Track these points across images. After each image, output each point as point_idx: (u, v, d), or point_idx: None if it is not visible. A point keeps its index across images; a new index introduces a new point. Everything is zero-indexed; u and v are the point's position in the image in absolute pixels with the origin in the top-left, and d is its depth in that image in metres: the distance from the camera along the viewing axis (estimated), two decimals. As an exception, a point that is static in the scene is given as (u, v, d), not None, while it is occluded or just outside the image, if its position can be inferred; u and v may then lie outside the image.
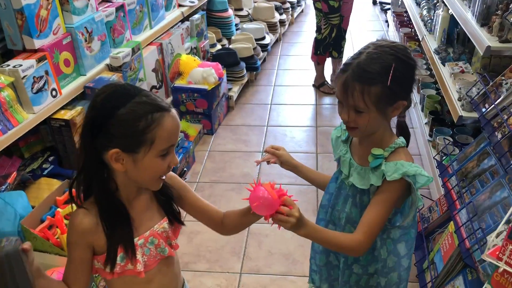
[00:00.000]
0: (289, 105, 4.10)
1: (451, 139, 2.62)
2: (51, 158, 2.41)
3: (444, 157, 2.44)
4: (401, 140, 1.28)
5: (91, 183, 1.11)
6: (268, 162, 1.49)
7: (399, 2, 5.44)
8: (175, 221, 1.23)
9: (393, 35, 5.22)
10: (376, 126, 1.25)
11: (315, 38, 4.21)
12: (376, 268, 1.41)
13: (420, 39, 3.59)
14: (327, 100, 4.18)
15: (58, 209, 2.08)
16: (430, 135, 2.93)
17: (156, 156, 1.06)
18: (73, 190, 1.15)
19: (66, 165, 2.42)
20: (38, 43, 2.18)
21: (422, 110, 3.26)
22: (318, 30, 4.13)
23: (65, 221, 2.03)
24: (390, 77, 1.16)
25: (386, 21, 5.85)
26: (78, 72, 2.47)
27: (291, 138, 3.58)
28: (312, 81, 4.40)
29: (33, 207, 2.07)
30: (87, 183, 1.11)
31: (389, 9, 5.97)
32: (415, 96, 3.54)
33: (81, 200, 1.13)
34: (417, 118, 3.39)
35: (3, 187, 2.12)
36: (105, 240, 1.11)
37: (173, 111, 1.08)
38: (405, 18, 4.95)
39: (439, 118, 2.98)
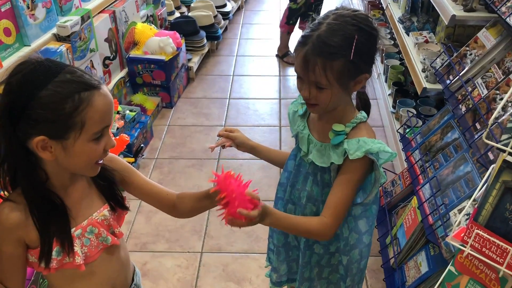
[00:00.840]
0: (252, 76, 3.98)
1: (415, 111, 2.59)
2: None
3: (407, 130, 2.40)
4: (362, 115, 1.21)
5: (15, 174, 0.98)
6: (224, 147, 1.39)
7: (363, -31, 5.33)
8: (118, 207, 1.13)
9: (357, 2, 5.13)
10: (337, 102, 1.17)
11: (289, 8, 4.05)
12: (337, 247, 1.36)
13: (384, 8, 3.51)
14: (291, 71, 4.08)
15: None
16: (394, 107, 2.89)
17: (89, 140, 0.94)
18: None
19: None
20: (-29, 10, 1.98)
21: (386, 81, 3.21)
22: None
23: None
24: (352, 50, 1.07)
25: (350, -11, 5.74)
26: (22, 42, 2.28)
27: (254, 111, 3.48)
28: (276, 51, 4.28)
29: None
30: (11, 174, 0.98)
31: (353, -24, 5.86)
32: (379, 66, 3.49)
33: (7, 192, 1.01)
34: (380, 89, 3.35)
35: None
36: (37, 234, 0.99)
37: (104, 87, 0.95)
38: (369, -14, 4.86)
39: (403, 89, 2.94)
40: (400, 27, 2.90)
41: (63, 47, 2.39)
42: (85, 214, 1.07)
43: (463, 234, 1.04)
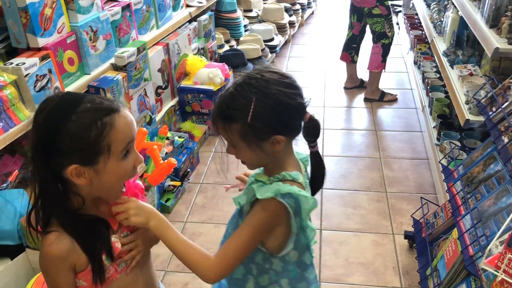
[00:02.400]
0: (296, 107, 4.06)
1: (459, 143, 2.57)
2: (54, 157, 2.41)
3: (450, 162, 2.39)
4: (293, 174, 1.14)
5: (51, 207, 1.04)
6: (240, 190, 1.42)
7: (411, 5, 5.38)
8: None
9: (404, 37, 5.17)
10: (259, 159, 1.15)
11: (383, 45, 3.89)
12: None
13: (430, 42, 3.54)
14: (335, 102, 4.13)
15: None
16: (438, 139, 2.87)
17: (118, 160, 1.01)
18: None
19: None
20: (42, 42, 2.18)
21: (431, 114, 3.20)
22: (383, 36, 3.86)
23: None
24: (250, 115, 1.06)
25: (397, 23, 5.79)
26: (83, 71, 2.47)
27: (295, 140, 3.53)
28: (366, 96, 4.13)
29: (33, 206, 2.07)
30: (47, 207, 1.04)
31: (400, 11, 5.91)
32: (424, 99, 3.49)
33: (41, 228, 1.06)
34: (425, 121, 3.34)
35: (4, 185, 2.12)
36: (84, 256, 1.05)
37: (123, 109, 1.03)
38: (416, 21, 4.90)
39: (448, 121, 2.93)
40: (444, 60, 2.92)
41: (119, 76, 2.57)
42: (116, 222, 1.13)
43: (496, 260, 1.05)
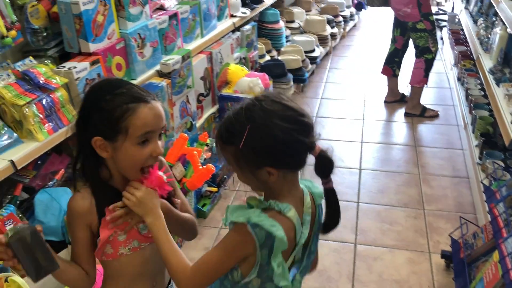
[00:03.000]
0: (335, 118, 4.06)
1: (502, 164, 2.51)
2: (98, 158, 2.49)
3: (493, 182, 2.33)
4: (282, 206, 1.10)
5: (84, 170, 1.19)
6: None
7: (456, 20, 5.29)
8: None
9: (448, 52, 5.08)
10: (255, 185, 1.15)
11: (426, 60, 3.84)
12: None
13: (475, 58, 3.47)
14: (375, 115, 4.10)
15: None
16: (480, 158, 2.81)
17: (134, 143, 1.12)
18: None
19: (111, 166, 2.50)
20: (93, 47, 2.27)
21: (473, 132, 3.14)
22: (426, 50, 3.81)
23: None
24: (242, 142, 1.05)
25: (441, 38, 5.70)
26: (129, 76, 2.55)
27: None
28: (407, 111, 4.09)
29: (77, 204, 2.15)
30: (81, 170, 1.20)
31: (445, 26, 5.81)
32: (466, 117, 3.42)
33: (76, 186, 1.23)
34: (466, 139, 3.27)
35: (51, 183, 2.21)
36: (97, 220, 1.19)
37: (154, 102, 1.14)
38: (461, 36, 4.80)
39: (491, 141, 2.86)
40: (490, 78, 2.85)
41: (164, 83, 2.64)
42: None
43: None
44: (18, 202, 2.06)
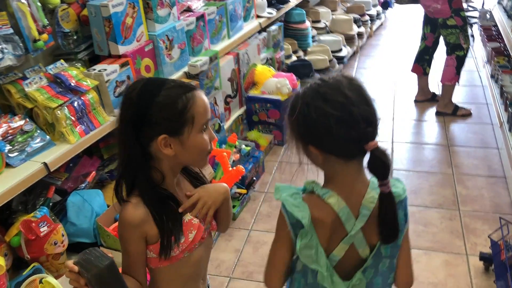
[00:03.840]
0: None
1: (543, 162, 2.41)
2: (128, 160, 2.50)
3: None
4: (323, 191, 1.10)
5: (135, 179, 1.15)
6: None
7: (488, 16, 5.14)
8: None
9: (479, 50, 4.94)
10: (314, 160, 1.13)
11: (458, 57, 3.71)
12: None
13: (510, 54, 3.35)
14: (404, 113, 4.01)
15: (132, 209, 2.14)
16: (519, 157, 2.71)
17: (199, 131, 1.13)
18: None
19: (141, 168, 2.50)
20: (122, 49, 2.29)
21: (510, 130, 3.03)
22: (457, 47, 3.69)
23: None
24: (295, 115, 1.08)
25: (472, 35, 5.55)
26: (158, 79, 2.56)
27: (364, 152, 3.47)
28: (438, 109, 3.96)
29: (108, 206, 2.16)
30: (131, 179, 1.16)
31: (475, 23, 5.66)
32: (502, 115, 3.31)
33: (124, 197, 1.17)
34: (502, 138, 3.16)
35: (83, 185, 2.23)
36: (156, 229, 1.15)
37: (198, 89, 1.15)
38: (494, 32, 4.67)
39: (530, 138, 2.76)
40: (528, 73, 2.75)
41: (192, 84, 2.64)
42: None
43: None
44: (51, 204, 2.08)
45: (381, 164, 1.05)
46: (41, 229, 1.85)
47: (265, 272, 1.20)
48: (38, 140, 1.98)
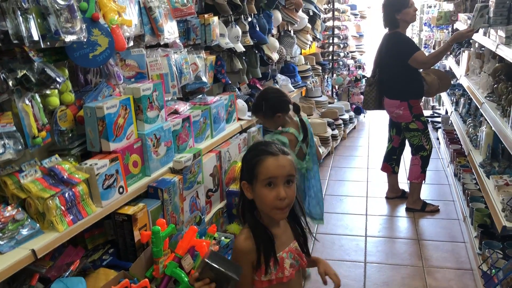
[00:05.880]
0: (339, 214, 4.18)
1: (501, 252, 2.59)
2: (110, 251, 2.59)
3: (493, 270, 2.40)
4: (286, 129, 2.93)
5: (244, 213, 1.60)
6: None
7: (449, 122, 5.61)
8: (301, 247, 1.65)
9: (444, 151, 5.32)
10: (273, 125, 3.03)
11: (422, 157, 4.06)
12: None
13: (467, 154, 3.68)
14: (378, 210, 4.22)
15: (113, 297, 2.21)
16: (480, 248, 2.89)
17: (262, 186, 1.49)
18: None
19: (124, 258, 2.59)
20: (113, 146, 2.49)
21: (472, 224, 3.24)
22: (421, 148, 4.03)
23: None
24: (263, 109, 2.93)
25: (437, 138, 5.99)
26: (144, 173, 2.75)
27: (339, 246, 3.61)
28: (408, 206, 4.26)
29: (90, 294, 2.22)
30: (242, 213, 1.62)
31: (440, 127, 6.14)
32: (464, 209, 3.54)
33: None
34: (466, 231, 3.36)
35: (66, 273, 2.30)
36: (257, 257, 1.50)
37: (282, 156, 1.52)
38: (455, 135, 5.08)
39: (489, 231, 2.96)
40: (481, 171, 3.04)
41: (176, 178, 2.82)
42: (285, 243, 1.60)
43: None
44: (33, 292, 2.13)
45: (297, 107, 2.84)
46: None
47: None
48: (28, 228, 2.09)
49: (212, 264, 1.39)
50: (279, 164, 1.49)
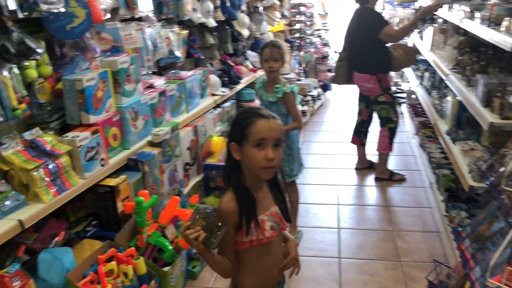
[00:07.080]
0: (312, 185, 4.32)
1: (466, 213, 2.77)
2: (94, 222, 2.62)
3: (459, 229, 2.57)
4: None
5: (229, 176, 1.62)
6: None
7: (413, 96, 5.82)
8: (283, 212, 1.68)
9: (408, 125, 5.54)
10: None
11: (390, 128, 4.20)
12: None
13: (433, 125, 3.86)
14: (348, 180, 4.39)
15: (100, 266, 2.26)
16: (447, 211, 3.07)
17: (251, 146, 1.52)
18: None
19: (107, 229, 2.62)
20: (93, 119, 2.50)
21: (438, 189, 3.43)
22: (389, 120, 4.17)
23: (106, 278, 2.21)
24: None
25: (401, 113, 6.20)
26: (123, 146, 2.77)
27: (313, 214, 3.75)
28: (376, 175, 4.41)
29: (77, 263, 2.26)
30: (227, 175, 1.63)
31: (404, 102, 6.35)
32: (430, 177, 3.73)
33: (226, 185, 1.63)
34: (433, 197, 3.55)
35: (51, 245, 2.33)
36: (239, 219, 1.53)
37: (273, 120, 1.56)
38: (419, 109, 5.29)
39: (454, 195, 3.15)
40: (447, 138, 3.21)
41: (155, 151, 2.86)
42: (266, 207, 1.63)
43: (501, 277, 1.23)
44: (20, 264, 2.15)
45: None
46: (14, 284, 1.93)
47: (299, 120, 2.94)
48: (12, 199, 2.09)
49: (205, 210, 1.47)
50: (270, 126, 1.54)
